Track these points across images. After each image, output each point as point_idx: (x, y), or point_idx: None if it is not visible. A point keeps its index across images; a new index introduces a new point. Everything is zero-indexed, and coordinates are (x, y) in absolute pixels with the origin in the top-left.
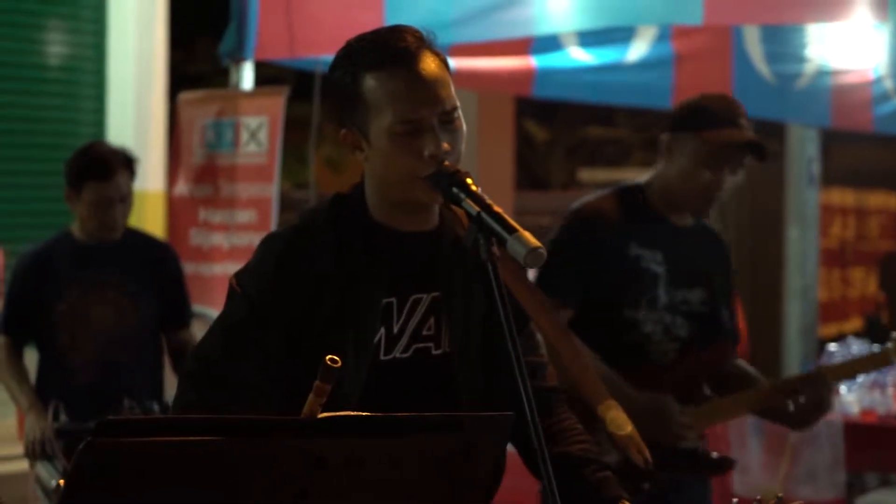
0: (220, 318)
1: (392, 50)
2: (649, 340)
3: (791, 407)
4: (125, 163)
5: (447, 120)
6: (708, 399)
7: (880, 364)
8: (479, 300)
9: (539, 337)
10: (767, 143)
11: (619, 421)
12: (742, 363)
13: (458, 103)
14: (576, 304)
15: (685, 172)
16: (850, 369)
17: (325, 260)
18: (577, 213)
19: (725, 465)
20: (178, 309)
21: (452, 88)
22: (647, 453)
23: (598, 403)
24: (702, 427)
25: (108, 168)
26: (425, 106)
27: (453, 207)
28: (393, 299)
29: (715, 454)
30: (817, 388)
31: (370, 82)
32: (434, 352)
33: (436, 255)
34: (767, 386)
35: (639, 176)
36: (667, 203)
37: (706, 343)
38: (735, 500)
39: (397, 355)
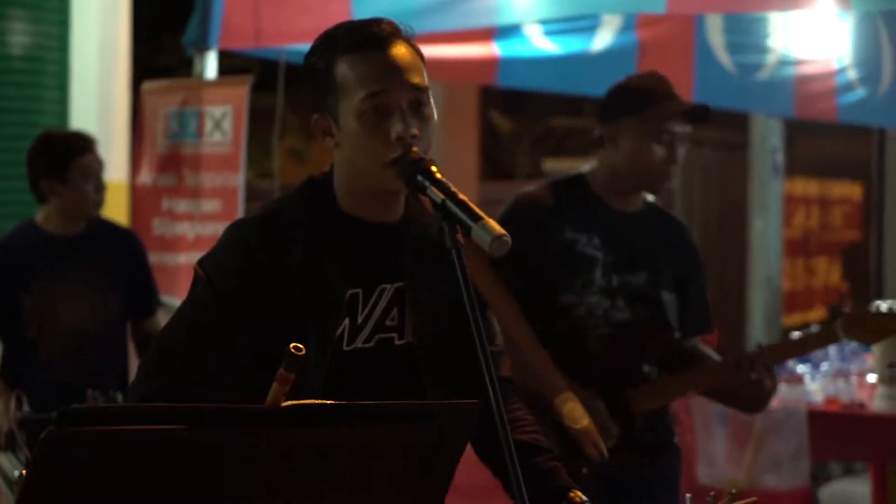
0: (185, 304)
1: (366, 35)
2: (585, 324)
3: (742, 388)
4: (91, 138)
5: (417, 106)
6: (648, 380)
7: (829, 341)
8: (447, 290)
9: (496, 326)
10: (705, 108)
11: (576, 414)
12: (701, 347)
13: (431, 93)
14: (513, 287)
15: (638, 155)
16: (799, 347)
17: (294, 249)
18: (514, 202)
19: (672, 451)
20: (144, 298)
21: (426, 77)
22: (603, 447)
23: (555, 395)
24: (643, 408)
25: (84, 140)
26: (394, 86)
27: (419, 197)
28: (359, 290)
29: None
30: (757, 366)
31: (343, 66)
32: (397, 342)
33: (401, 245)
34: (713, 364)
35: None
36: (614, 190)
37: (647, 327)
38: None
39: (359, 345)
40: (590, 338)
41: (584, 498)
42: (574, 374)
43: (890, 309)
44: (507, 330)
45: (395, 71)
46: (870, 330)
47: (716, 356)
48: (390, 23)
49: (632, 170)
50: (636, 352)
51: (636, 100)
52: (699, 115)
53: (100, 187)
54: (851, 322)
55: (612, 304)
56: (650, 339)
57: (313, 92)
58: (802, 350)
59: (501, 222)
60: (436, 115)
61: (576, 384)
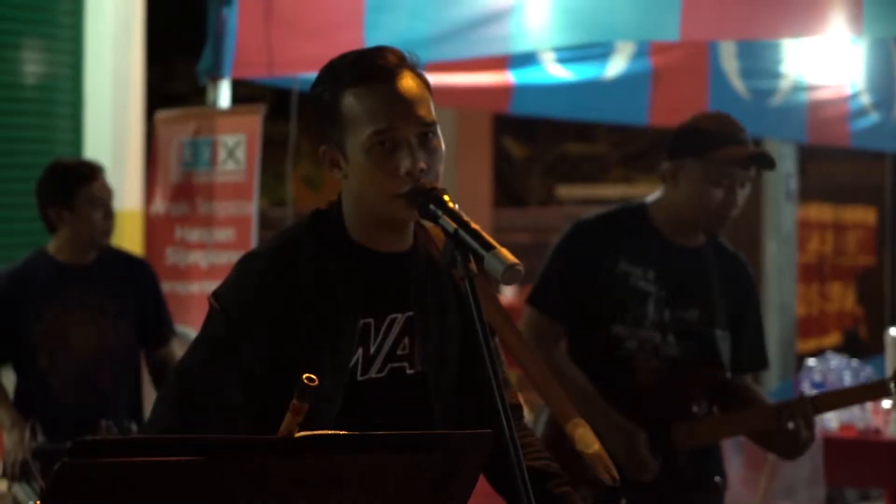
0: (200, 336)
1: (372, 67)
2: (635, 357)
3: (780, 434)
4: (98, 166)
5: (425, 139)
6: (696, 418)
7: (880, 396)
8: (455, 319)
9: (501, 353)
10: (767, 156)
11: (587, 439)
12: (752, 386)
13: (438, 124)
14: (566, 316)
15: (696, 196)
16: (847, 398)
17: (306, 280)
18: (573, 229)
19: (710, 487)
20: (157, 326)
21: (433, 109)
22: (615, 471)
23: (566, 421)
24: (687, 445)
25: (91, 168)
26: (402, 122)
27: (428, 227)
28: (371, 320)
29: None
30: (795, 416)
31: (349, 99)
32: (408, 371)
33: (410, 275)
34: (755, 409)
35: (616, 192)
36: (674, 225)
37: (696, 364)
38: None
39: (373, 375)
40: (639, 371)
41: None
42: (621, 405)
43: None
44: (518, 359)
45: (403, 105)
46: None
47: (765, 397)
48: (396, 52)
49: (689, 210)
50: (684, 388)
51: (699, 141)
52: (763, 162)
53: (108, 215)
54: None
55: (662, 338)
56: (698, 375)
57: (319, 123)
58: (850, 401)
59: (559, 247)
60: (443, 146)
61: (621, 417)
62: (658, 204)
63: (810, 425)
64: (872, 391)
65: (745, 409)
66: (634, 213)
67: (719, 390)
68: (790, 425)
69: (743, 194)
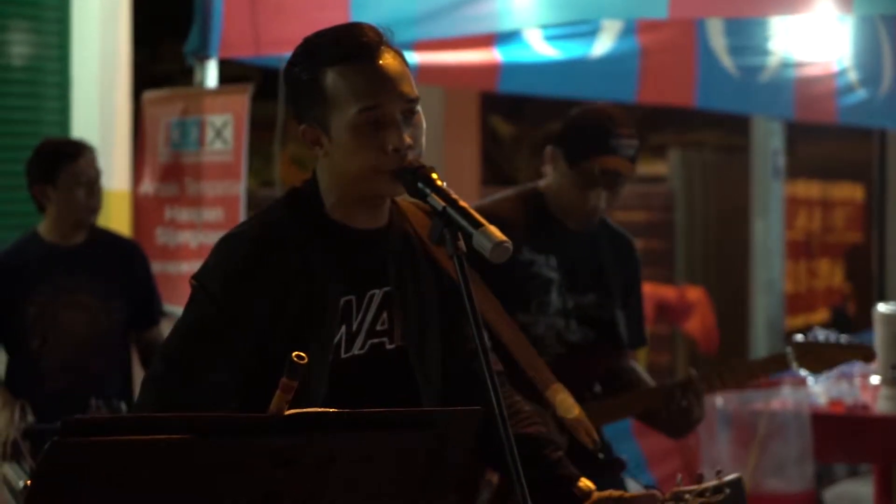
0: (184, 319)
1: (353, 45)
2: (540, 344)
3: (670, 413)
4: (85, 145)
5: (409, 115)
6: (596, 399)
7: (778, 368)
8: (433, 294)
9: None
10: (631, 169)
11: (567, 404)
12: (636, 367)
13: (423, 101)
14: None
15: (561, 189)
16: (742, 374)
17: (289, 259)
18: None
19: (616, 465)
20: (147, 307)
21: (413, 84)
22: (595, 435)
23: (545, 388)
24: (597, 426)
25: (75, 147)
26: (388, 99)
27: (401, 203)
28: (352, 297)
29: (602, 455)
30: (688, 394)
31: (331, 77)
32: (388, 346)
33: (386, 251)
34: (646, 389)
35: None
36: (559, 209)
37: (599, 347)
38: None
39: (356, 352)
40: (544, 356)
41: (592, 485)
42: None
43: (839, 339)
44: (494, 327)
45: (388, 83)
46: (820, 361)
47: (649, 378)
48: (374, 29)
49: (560, 200)
50: (587, 372)
51: (572, 147)
52: (610, 179)
53: (93, 193)
54: (803, 351)
55: (566, 324)
56: (601, 359)
57: (298, 102)
58: (745, 377)
59: None
60: (424, 120)
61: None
62: (548, 190)
63: (701, 403)
64: (770, 364)
65: (641, 389)
66: (531, 198)
67: (608, 373)
68: (683, 403)
69: (612, 195)
